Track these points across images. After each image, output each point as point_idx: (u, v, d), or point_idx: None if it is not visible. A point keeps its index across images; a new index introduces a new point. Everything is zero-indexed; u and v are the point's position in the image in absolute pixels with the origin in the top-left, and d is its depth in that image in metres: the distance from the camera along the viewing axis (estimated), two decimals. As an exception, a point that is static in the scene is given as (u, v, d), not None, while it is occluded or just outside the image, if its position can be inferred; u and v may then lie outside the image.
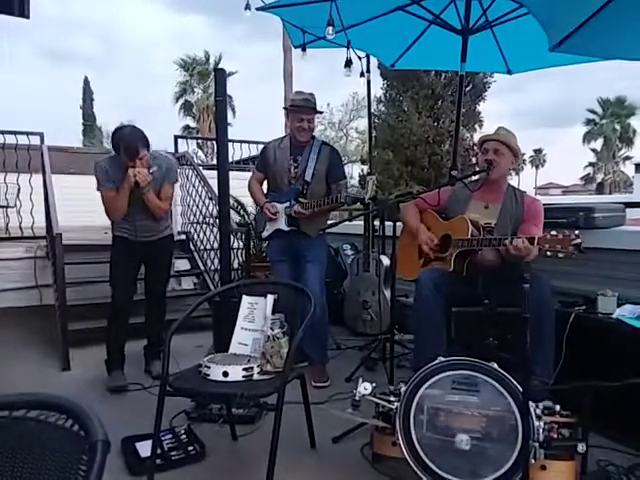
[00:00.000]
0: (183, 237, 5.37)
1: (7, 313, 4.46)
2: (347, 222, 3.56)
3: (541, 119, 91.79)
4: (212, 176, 3.45)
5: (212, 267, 4.72)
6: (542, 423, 1.67)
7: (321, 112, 3.02)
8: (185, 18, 65.86)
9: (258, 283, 2.82)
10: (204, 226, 5.05)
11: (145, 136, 2.78)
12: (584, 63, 3.18)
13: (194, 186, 5.43)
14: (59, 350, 3.37)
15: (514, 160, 2.48)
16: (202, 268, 4.93)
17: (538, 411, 1.70)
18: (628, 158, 38.48)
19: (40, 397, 0.89)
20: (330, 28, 2.67)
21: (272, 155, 3.00)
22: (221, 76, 2.60)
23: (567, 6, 2.19)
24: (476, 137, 13.15)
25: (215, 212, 4.40)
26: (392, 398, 1.90)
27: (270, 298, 2.13)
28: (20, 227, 5.25)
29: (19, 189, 5.38)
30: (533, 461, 1.63)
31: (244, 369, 1.87)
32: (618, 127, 38.35)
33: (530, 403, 1.65)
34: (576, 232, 1.88)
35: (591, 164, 42.44)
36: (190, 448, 2.11)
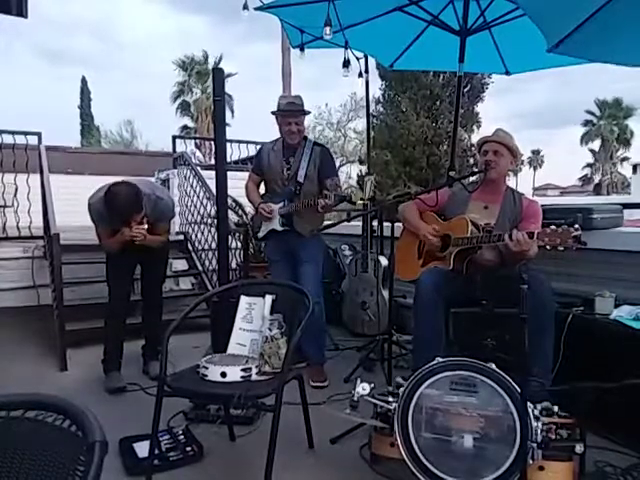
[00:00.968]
0: (181, 237, 5.36)
1: (4, 313, 4.45)
2: (345, 222, 3.56)
3: (539, 120, 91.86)
4: (210, 176, 3.44)
5: (210, 267, 4.71)
6: (540, 424, 1.67)
7: (308, 112, 3.00)
8: (184, 18, 65.86)
9: (256, 283, 2.82)
10: (202, 226, 5.04)
11: (139, 198, 2.65)
12: (582, 64, 3.17)
13: (192, 186, 5.43)
14: (57, 350, 3.36)
15: (513, 161, 2.49)
16: (200, 268, 4.93)
17: (536, 412, 1.70)
18: (625, 159, 38.66)
19: (38, 397, 0.89)
20: (327, 28, 2.66)
21: (266, 158, 3.03)
22: (219, 76, 2.60)
23: (563, 8, 2.19)
24: (474, 138, 13.15)
25: (213, 212, 4.39)
26: (390, 398, 1.89)
27: (268, 298, 2.13)
28: (18, 227, 5.23)
29: (16, 189, 5.34)
30: (531, 462, 1.63)
31: (242, 370, 1.87)
32: (616, 128, 38.42)
33: (528, 404, 1.65)
34: (575, 226, 1.88)
35: (589, 165, 42.55)
36: (188, 449, 2.10)
